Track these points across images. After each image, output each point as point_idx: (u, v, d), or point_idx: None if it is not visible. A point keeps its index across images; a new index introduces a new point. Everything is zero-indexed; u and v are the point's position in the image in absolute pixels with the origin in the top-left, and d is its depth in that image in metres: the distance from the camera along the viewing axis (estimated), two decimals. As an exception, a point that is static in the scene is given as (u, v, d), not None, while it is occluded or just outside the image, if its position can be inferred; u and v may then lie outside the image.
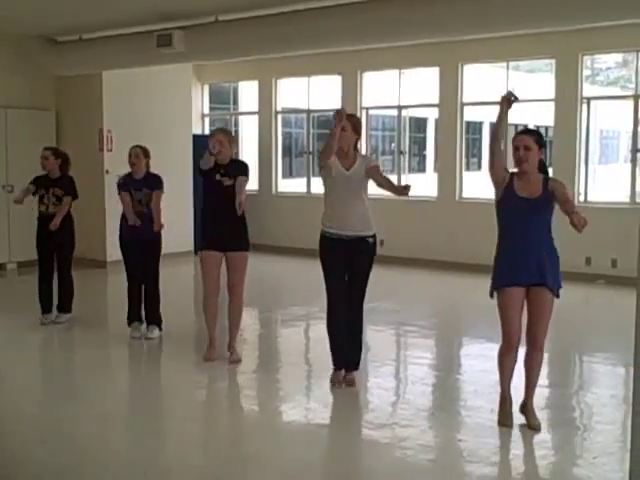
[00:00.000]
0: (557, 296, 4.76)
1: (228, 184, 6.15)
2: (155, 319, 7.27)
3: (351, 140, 5.55)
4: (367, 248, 5.57)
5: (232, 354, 6.44)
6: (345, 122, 5.46)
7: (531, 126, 20.71)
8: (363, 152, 11.59)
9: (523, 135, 4.75)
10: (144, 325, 7.29)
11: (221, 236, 6.21)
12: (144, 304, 7.28)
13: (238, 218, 6.19)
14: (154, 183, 7.16)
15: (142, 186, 7.12)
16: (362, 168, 5.53)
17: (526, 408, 4.91)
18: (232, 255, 6.30)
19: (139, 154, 7.15)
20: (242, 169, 6.30)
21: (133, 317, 7.31)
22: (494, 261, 4.82)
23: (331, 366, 5.80)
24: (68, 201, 7.60)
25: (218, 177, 6.15)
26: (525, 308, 4.78)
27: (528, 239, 4.67)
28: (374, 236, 5.61)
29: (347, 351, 5.73)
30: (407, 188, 5.38)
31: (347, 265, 5.55)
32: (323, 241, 5.61)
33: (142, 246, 7.11)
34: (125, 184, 7.14)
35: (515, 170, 4.77)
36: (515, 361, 4.85)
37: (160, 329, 7.27)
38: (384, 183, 5.55)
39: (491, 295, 4.82)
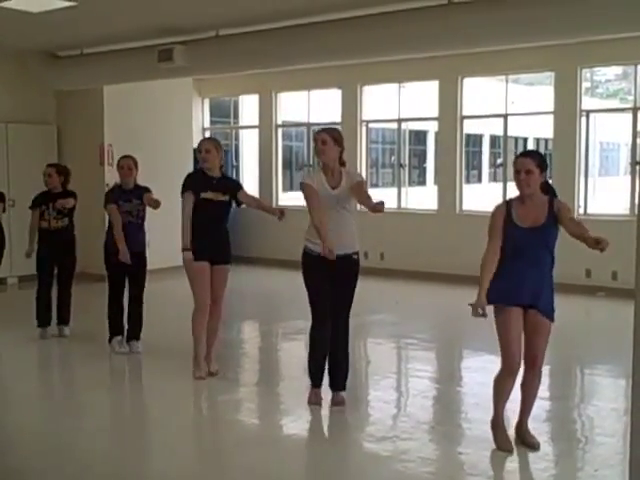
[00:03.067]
0: (552, 320, 4.62)
1: (220, 199, 6.17)
2: (138, 334, 7.18)
3: (334, 154, 5.39)
4: (352, 265, 5.44)
5: (211, 365, 6.35)
6: (324, 135, 5.38)
7: (531, 139, 20.86)
8: (362, 167, 11.91)
9: (524, 158, 4.59)
10: (124, 340, 7.17)
11: (212, 248, 6.17)
12: (128, 318, 7.16)
13: (225, 231, 6.26)
14: (144, 193, 7.02)
15: (132, 197, 6.99)
16: (348, 185, 5.38)
17: (522, 429, 4.77)
18: (220, 268, 6.27)
19: (132, 166, 7.05)
20: (236, 184, 6.45)
21: (118, 331, 7.17)
22: (493, 276, 4.60)
23: (309, 385, 5.60)
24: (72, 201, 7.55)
25: (208, 195, 6.09)
26: (523, 329, 4.61)
27: (532, 265, 4.53)
28: (358, 253, 5.49)
29: (334, 371, 5.57)
30: (381, 204, 5.13)
31: (332, 283, 5.38)
32: (307, 258, 5.44)
33: (132, 259, 6.91)
34: (114, 196, 6.99)
35: (514, 197, 4.62)
36: (514, 385, 4.66)
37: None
38: (363, 200, 5.32)
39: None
